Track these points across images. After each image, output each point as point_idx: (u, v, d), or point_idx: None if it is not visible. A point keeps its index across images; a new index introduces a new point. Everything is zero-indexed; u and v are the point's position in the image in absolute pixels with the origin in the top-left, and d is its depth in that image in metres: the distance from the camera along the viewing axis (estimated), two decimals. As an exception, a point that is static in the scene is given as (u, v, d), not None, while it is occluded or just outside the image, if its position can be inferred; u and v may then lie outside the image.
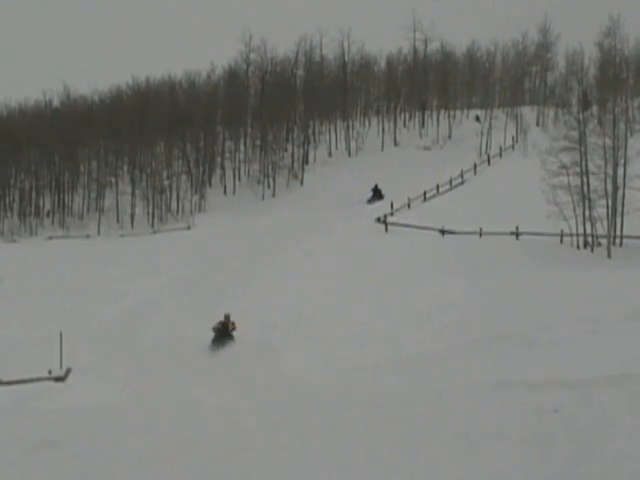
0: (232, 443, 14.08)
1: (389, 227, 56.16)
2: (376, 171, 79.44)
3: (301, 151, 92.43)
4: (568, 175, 44.51)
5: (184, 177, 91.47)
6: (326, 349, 27.47)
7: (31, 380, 24.32)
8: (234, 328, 31.49)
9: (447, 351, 24.89)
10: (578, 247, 44.27)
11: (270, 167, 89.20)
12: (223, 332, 31.41)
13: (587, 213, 43.92)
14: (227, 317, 31.79)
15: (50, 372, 25.68)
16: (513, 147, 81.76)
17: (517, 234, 46.88)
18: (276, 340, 30.21)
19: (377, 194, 72.22)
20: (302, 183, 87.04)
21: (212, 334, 31.37)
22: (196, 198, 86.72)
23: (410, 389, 18.56)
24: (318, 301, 36.63)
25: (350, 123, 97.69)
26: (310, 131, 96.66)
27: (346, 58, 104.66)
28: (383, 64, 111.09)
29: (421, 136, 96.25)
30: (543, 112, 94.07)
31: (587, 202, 44.09)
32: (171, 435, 14.81)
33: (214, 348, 30.58)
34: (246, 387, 22.04)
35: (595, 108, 64.60)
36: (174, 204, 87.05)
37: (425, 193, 64.18)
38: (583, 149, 45.17)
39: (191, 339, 31.75)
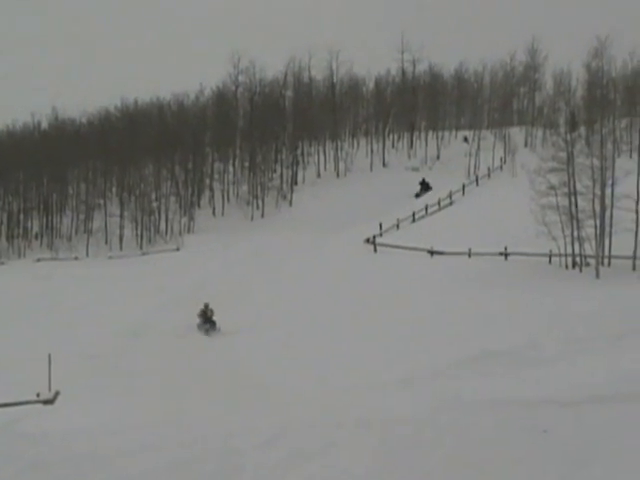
0: (225, 463, 14.04)
1: (378, 248, 56.13)
2: (365, 192, 79.69)
3: (290, 172, 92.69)
4: (556, 195, 44.56)
5: (173, 198, 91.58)
6: (316, 368, 27.42)
7: (19, 403, 24.09)
8: (212, 314, 38.48)
9: (438, 370, 24.84)
10: (567, 267, 44.29)
11: (259, 188, 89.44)
12: (205, 317, 38.58)
13: (575, 233, 43.95)
14: (206, 305, 38.89)
15: (38, 395, 25.47)
16: (501, 168, 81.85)
17: (506, 254, 46.93)
18: (268, 359, 30.16)
19: (425, 187, 73.66)
20: (291, 204, 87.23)
21: (197, 320, 38.71)
22: (185, 219, 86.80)
23: (403, 408, 18.52)
24: (309, 321, 36.65)
25: (339, 144, 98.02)
26: (299, 152, 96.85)
27: (335, 79, 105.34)
28: (372, 85, 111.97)
29: (410, 157, 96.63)
30: (531, 133, 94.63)
31: (575, 222, 44.12)
32: (163, 456, 14.74)
33: (199, 329, 38.19)
34: (239, 405, 21.96)
35: (583, 129, 64.86)
36: (163, 225, 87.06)
37: (414, 214, 64.27)
38: (571, 169, 45.22)
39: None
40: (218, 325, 37.93)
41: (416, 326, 32.58)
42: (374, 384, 23.72)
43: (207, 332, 37.71)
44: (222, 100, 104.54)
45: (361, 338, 31.93)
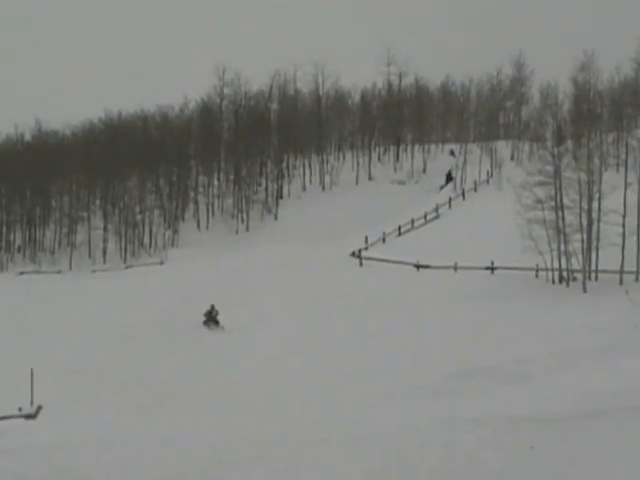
0: (211, 478, 13.87)
1: (364, 261, 55.93)
2: (350, 205, 79.64)
3: (275, 185, 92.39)
4: (543, 209, 44.44)
5: (157, 212, 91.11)
6: (302, 383, 27.23)
7: (1, 418, 23.80)
8: (217, 314, 41.70)
9: (424, 385, 24.73)
10: (553, 282, 44.19)
11: (244, 202, 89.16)
12: (210, 317, 41.70)
13: (562, 247, 43.84)
14: (212, 306, 42.11)
15: (20, 410, 25.19)
16: (488, 181, 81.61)
17: (492, 269, 46.81)
18: (255, 375, 29.98)
19: (449, 179, 75.10)
20: (276, 217, 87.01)
21: (203, 318, 41.76)
22: (169, 233, 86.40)
23: (388, 423, 18.31)
24: (293, 337, 36.43)
25: (324, 157, 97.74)
26: (284, 165, 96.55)
27: (320, 92, 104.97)
28: (358, 98, 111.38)
29: (396, 170, 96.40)
30: (518, 146, 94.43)
31: (562, 236, 44.03)
32: (147, 471, 14.52)
33: (205, 327, 41.22)
34: (226, 419, 21.74)
35: (570, 143, 64.81)
36: (147, 239, 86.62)
37: (400, 227, 64.13)
38: (558, 183, 45.17)
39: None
40: (221, 325, 41.35)
41: (402, 341, 32.46)
42: (360, 399, 23.57)
43: (211, 330, 41.02)
44: (207, 113, 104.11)
45: (347, 353, 31.76)
